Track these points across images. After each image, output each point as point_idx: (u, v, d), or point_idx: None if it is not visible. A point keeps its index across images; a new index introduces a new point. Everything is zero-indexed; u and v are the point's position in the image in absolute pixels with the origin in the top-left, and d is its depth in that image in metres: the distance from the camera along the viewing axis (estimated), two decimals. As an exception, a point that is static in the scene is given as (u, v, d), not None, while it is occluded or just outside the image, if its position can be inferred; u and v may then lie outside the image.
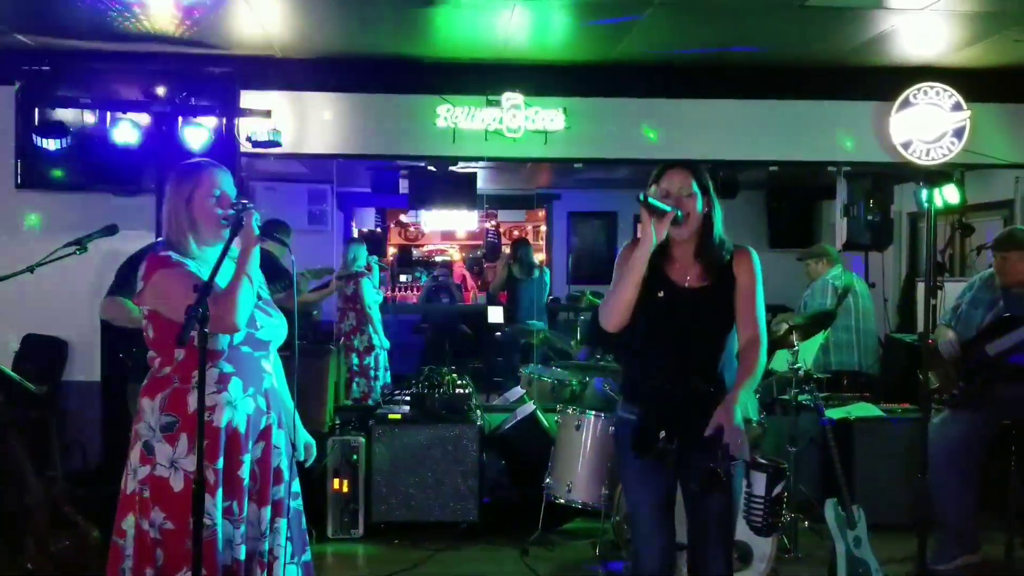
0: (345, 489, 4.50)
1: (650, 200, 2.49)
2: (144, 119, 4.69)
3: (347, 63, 5.14)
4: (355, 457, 4.52)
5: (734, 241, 2.67)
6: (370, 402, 5.86)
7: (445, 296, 9.06)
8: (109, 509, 2.46)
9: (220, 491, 2.35)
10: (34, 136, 4.65)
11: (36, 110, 4.70)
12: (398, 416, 4.65)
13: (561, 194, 9.39)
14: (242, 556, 2.39)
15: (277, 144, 4.97)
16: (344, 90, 5.18)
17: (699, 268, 2.61)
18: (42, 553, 3.62)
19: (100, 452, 4.94)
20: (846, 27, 4.50)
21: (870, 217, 5.61)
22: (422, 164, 5.94)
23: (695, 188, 2.58)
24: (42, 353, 5.00)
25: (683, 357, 2.58)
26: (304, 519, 2.62)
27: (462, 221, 10.85)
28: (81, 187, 4.81)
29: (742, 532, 2.72)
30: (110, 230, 3.43)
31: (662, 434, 2.53)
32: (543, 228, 10.10)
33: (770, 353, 2.80)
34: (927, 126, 5.26)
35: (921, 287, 4.87)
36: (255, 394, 2.45)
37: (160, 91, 4.71)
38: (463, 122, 5.15)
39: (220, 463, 2.36)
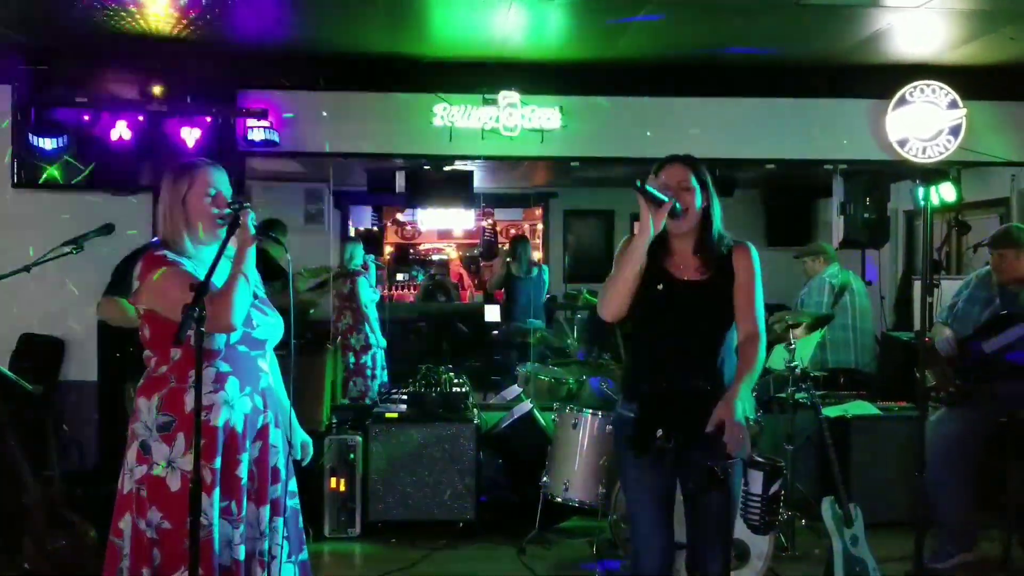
0: (342, 488, 4.50)
1: (647, 187, 2.49)
2: (141, 118, 4.68)
3: (344, 62, 5.14)
4: (352, 456, 4.52)
5: (733, 237, 2.68)
6: (367, 401, 5.86)
7: (442, 295, 9.05)
8: (106, 509, 2.45)
9: (218, 491, 2.35)
10: (31, 135, 4.65)
11: (33, 109, 4.70)
12: (395, 415, 4.65)
13: (558, 192, 9.39)
14: (241, 556, 2.38)
15: (274, 143, 4.97)
16: (341, 89, 5.18)
17: (698, 262, 2.62)
18: (39, 553, 3.61)
19: (97, 452, 4.94)
20: (842, 25, 4.50)
21: (867, 215, 5.61)
22: (419, 163, 5.94)
23: (694, 182, 2.59)
24: (39, 352, 4.99)
25: (682, 352, 2.58)
26: (301, 518, 2.62)
27: (459, 220, 10.84)
28: (78, 186, 4.80)
29: (739, 530, 2.72)
30: (106, 229, 3.42)
31: (659, 432, 2.53)
32: (540, 227, 10.09)
33: (767, 348, 2.81)
34: (923, 124, 5.27)
35: (918, 285, 4.88)
36: (252, 393, 2.45)
37: (157, 90, 4.72)
38: (459, 121, 5.15)
39: (217, 462, 2.35)
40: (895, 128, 5.30)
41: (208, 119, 4.71)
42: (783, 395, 4.42)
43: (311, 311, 6.66)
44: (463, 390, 4.84)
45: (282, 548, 2.47)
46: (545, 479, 4.30)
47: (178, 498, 2.29)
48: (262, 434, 2.48)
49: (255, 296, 2.48)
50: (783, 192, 8.44)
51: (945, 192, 4.89)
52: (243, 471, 2.40)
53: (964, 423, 4.04)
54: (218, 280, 2.32)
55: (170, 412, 2.34)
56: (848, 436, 4.68)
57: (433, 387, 4.80)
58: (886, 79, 5.25)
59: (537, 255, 9.26)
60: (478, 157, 5.48)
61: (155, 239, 2.53)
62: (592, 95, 5.27)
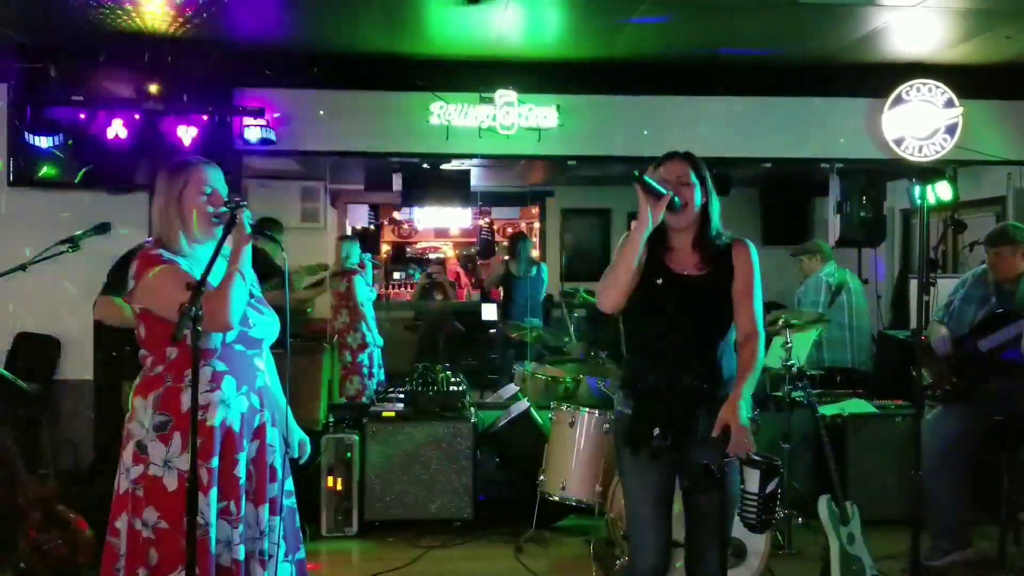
0: (339, 487, 4.50)
1: (644, 178, 2.50)
2: (137, 117, 4.67)
3: (340, 60, 5.13)
4: (349, 455, 4.52)
5: (731, 235, 2.69)
6: (364, 400, 5.86)
7: (439, 293, 9.04)
8: (102, 508, 2.45)
9: (215, 490, 2.34)
10: (27, 134, 4.63)
11: (29, 108, 4.68)
12: (392, 414, 4.65)
13: (555, 191, 9.39)
14: (241, 556, 2.37)
15: (270, 142, 4.96)
16: (337, 87, 5.17)
17: (697, 258, 2.63)
18: (35, 552, 3.61)
19: (93, 450, 4.93)
20: (838, 24, 4.51)
21: (863, 214, 5.62)
22: (416, 161, 5.94)
23: (693, 178, 2.61)
24: (35, 351, 4.98)
25: (680, 349, 2.59)
26: (298, 517, 2.62)
27: (456, 218, 10.81)
28: (74, 185, 4.79)
29: (736, 529, 2.73)
30: (103, 228, 3.42)
31: (656, 431, 2.53)
32: (537, 225, 10.09)
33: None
34: (920, 123, 5.28)
35: (914, 284, 4.89)
36: (248, 392, 2.44)
37: (153, 89, 4.70)
38: (456, 119, 5.14)
39: (214, 462, 2.35)
40: (891, 127, 5.31)
41: (204, 117, 4.70)
42: (780, 393, 4.43)
43: (308, 310, 6.66)
44: (460, 389, 4.84)
45: (279, 547, 2.47)
46: (542, 478, 4.30)
47: (175, 498, 2.28)
48: (259, 433, 2.47)
49: (251, 295, 2.48)
50: (780, 191, 8.45)
51: (941, 191, 4.90)
52: (241, 471, 2.40)
53: (960, 421, 4.05)
54: (214, 279, 2.31)
55: (166, 412, 2.34)
56: (844, 434, 4.69)
57: (430, 386, 4.80)
58: (882, 78, 5.26)
59: (535, 253, 9.24)
60: (475, 156, 5.48)
61: (150, 238, 2.53)
62: (589, 94, 5.27)
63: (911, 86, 5.26)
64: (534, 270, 7.20)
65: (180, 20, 4.37)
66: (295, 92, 5.12)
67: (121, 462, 2.38)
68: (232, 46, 4.88)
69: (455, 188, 6.29)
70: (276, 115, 5.05)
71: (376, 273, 7.61)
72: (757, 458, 2.49)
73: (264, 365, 2.54)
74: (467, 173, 6.30)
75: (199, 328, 2.16)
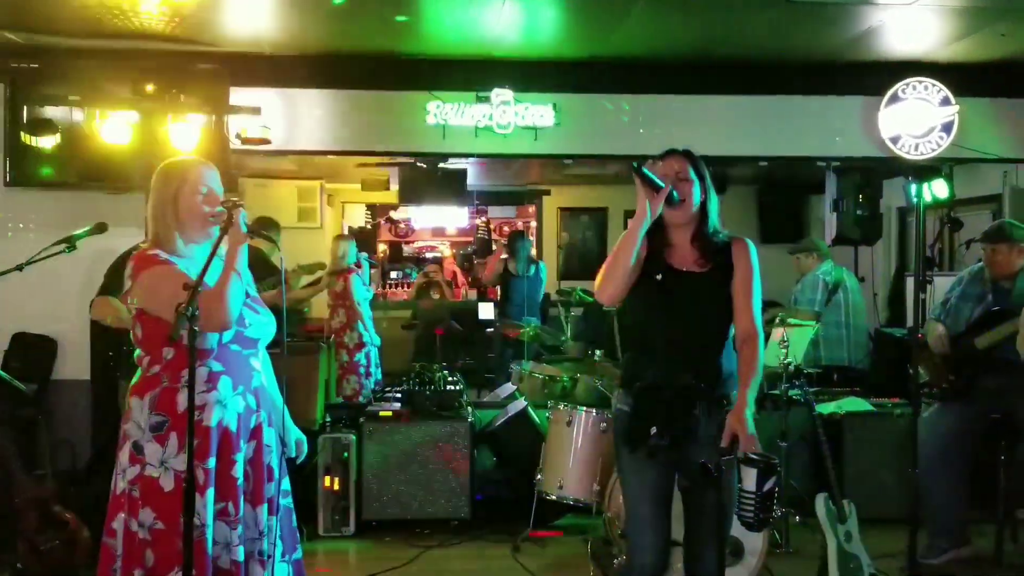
0: (336, 487, 4.50)
1: (643, 169, 2.50)
2: (133, 116, 4.66)
3: (337, 59, 5.13)
4: (346, 455, 4.52)
5: (729, 232, 2.70)
6: (361, 399, 5.85)
7: (435, 292, 9.04)
8: (100, 508, 2.44)
9: (212, 491, 2.34)
10: (23, 134, 4.62)
11: (25, 108, 4.67)
12: (389, 413, 4.64)
13: (551, 190, 9.40)
14: (240, 557, 2.37)
15: (267, 141, 4.95)
16: (334, 87, 5.16)
17: (697, 254, 2.64)
18: (32, 552, 3.60)
19: (90, 451, 4.92)
20: (834, 23, 4.51)
21: (859, 212, 5.63)
22: (412, 161, 5.93)
23: (692, 175, 2.63)
24: (32, 352, 4.98)
25: (679, 346, 2.59)
26: (295, 517, 2.61)
27: (452, 217, 10.85)
28: (70, 185, 4.78)
29: (734, 527, 2.73)
30: (100, 228, 3.41)
31: (654, 430, 2.53)
32: (533, 224, 10.09)
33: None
34: (916, 121, 5.28)
35: (911, 282, 4.90)
36: (244, 392, 2.44)
37: (149, 88, 4.69)
38: (453, 118, 5.14)
39: (211, 462, 2.34)
40: (888, 125, 5.31)
41: (201, 117, 4.69)
42: (777, 392, 4.43)
43: (305, 309, 6.65)
44: (457, 388, 4.83)
45: (276, 547, 2.47)
46: (539, 477, 4.30)
47: (171, 498, 2.28)
48: (256, 433, 2.47)
49: (247, 295, 2.47)
50: (776, 189, 8.47)
51: (937, 189, 4.91)
52: (238, 471, 2.39)
53: (957, 419, 4.06)
54: (211, 279, 2.31)
55: (163, 412, 2.33)
56: (842, 433, 4.69)
57: (427, 385, 4.79)
58: (879, 76, 5.26)
59: (532, 252, 9.22)
60: (471, 155, 5.48)
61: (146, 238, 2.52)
62: (585, 93, 5.27)
63: (907, 84, 5.26)
64: (532, 269, 7.15)
65: (177, 19, 4.36)
66: (291, 91, 5.12)
67: (117, 463, 2.38)
68: (228, 45, 4.87)
69: (452, 187, 6.29)
70: (282, 113, 5.04)
71: (373, 272, 7.61)
72: (754, 457, 2.49)
73: (260, 365, 2.53)
74: (464, 172, 6.30)
75: (196, 328, 2.15)
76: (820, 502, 3.68)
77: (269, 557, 2.44)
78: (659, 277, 2.60)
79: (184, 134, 4.61)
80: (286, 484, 2.56)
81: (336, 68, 5.14)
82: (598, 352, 4.89)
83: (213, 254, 2.29)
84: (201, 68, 4.84)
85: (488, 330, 7.31)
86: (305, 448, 2.71)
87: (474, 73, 5.16)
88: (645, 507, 2.64)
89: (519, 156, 5.58)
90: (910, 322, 4.23)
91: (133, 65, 4.79)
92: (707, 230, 2.64)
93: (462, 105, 5.14)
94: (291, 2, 4.30)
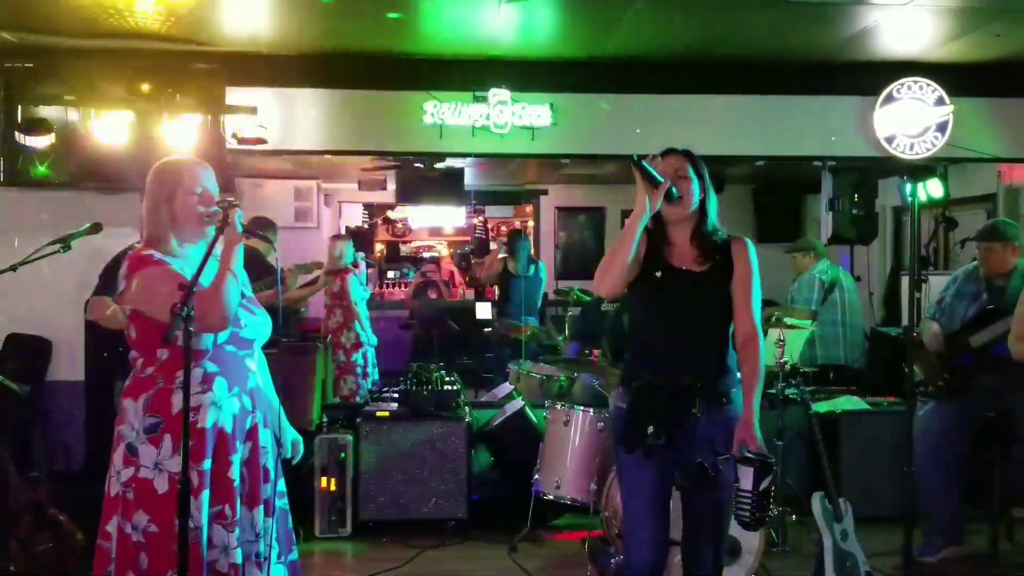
0: (333, 487, 4.49)
1: (643, 163, 2.50)
2: (129, 116, 4.65)
3: (333, 59, 5.12)
4: (343, 455, 4.51)
5: (728, 231, 2.72)
6: (358, 399, 5.85)
7: (433, 292, 9.04)
8: (94, 510, 2.43)
9: (207, 493, 2.32)
10: (17, 134, 4.61)
11: (19, 107, 4.66)
12: (386, 413, 4.63)
13: (548, 190, 9.40)
14: (238, 560, 2.36)
15: (263, 141, 4.94)
16: (330, 86, 5.16)
17: (696, 252, 2.65)
18: (25, 555, 3.59)
19: (85, 452, 4.91)
20: (830, 23, 4.52)
21: (855, 211, 5.64)
22: (409, 160, 5.93)
23: (691, 173, 2.64)
24: (25, 353, 4.97)
25: (678, 345, 2.60)
26: (290, 518, 2.61)
27: (450, 217, 10.83)
28: (65, 185, 4.77)
29: (731, 526, 2.73)
30: (95, 228, 3.39)
31: (651, 429, 2.54)
32: (531, 223, 10.09)
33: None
34: (911, 121, 5.29)
35: (906, 281, 4.91)
36: (240, 394, 2.43)
37: (145, 88, 4.68)
38: (450, 118, 5.14)
39: (206, 464, 2.33)
40: (883, 125, 5.32)
41: (197, 116, 4.68)
42: (773, 391, 4.43)
43: (302, 309, 6.65)
44: (454, 388, 4.83)
45: (272, 549, 2.46)
46: (536, 476, 4.30)
47: (165, 501, 2.26)
48: (251, 435, 2.46)
49: (242, 295, 2.46)
50: (773, 188, 8.49)
51: (932, 188, 4.93)
52: (235, 473, 2.38)
53: (952, 417, 4.07)
54: (206, 280, 2.30)
55: (157, 414, 2.32)
56: (838, 431, 4.70)
57: (424, 385, 4.79)
58: (874, 76, 5.27)
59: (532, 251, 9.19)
60: (469, 154, 5.48)
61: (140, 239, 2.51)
62: (582, 92, 5.27)
63: (902, 84, 5.27)
64: (532, 269, 7.08)
65: (172, 19, 4.36)
66: (288, 91, 5.11)
67: (111, 464, 2.36)
68: (225, 45, 4.86)
69: (449, 187, 6.28)
70: (278, 113, 5.03)
71: (370, 272, 7.60)
72: (751, 456, 2.49)
73: (256, 366, 2.52)
74: (461, 172, 6.30)
75: (191, 329, 2.15)
76: (816, 501, 3.69)
77: (265, 559, 2.43)
78: (658, 274, 2.62)
79: (180, 134, 4.60)
80: (282, 485, 2.56)
81: (333, 67, 5.14)
82: (597, 352, 4.89)
83: (209, 254, 2.28)
84: (197, 67, 4.83)
85: (485, 330, 7.30)
86: (301, 449, 2.70)
87: (471, 73, 5.16)
88: (642, 505, 2.64)
89: (516, 156, 5.58)
90: (905, 321, 4.24)
91: (129, 64, 4.78)
92: (706, 229, 2.66)
93: (459, 105, 5.14)
94: (287, 1, 4.29)
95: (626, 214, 2.63)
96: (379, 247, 11.31)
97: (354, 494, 4.50)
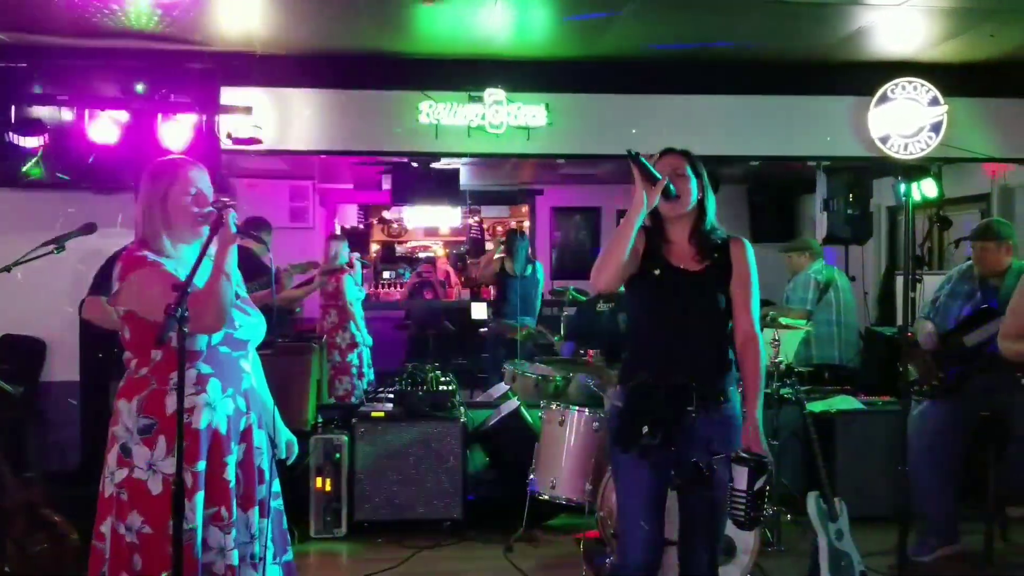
0: (328, 488, 4.48)
1: (641, 158, 2.50)
2: (123, 116, 4.64)
3: (328, 59, 5.11)
4: (338, 456, 4.50)
5: (726, 231, 2.73)
6: (353, 400, 5.84)
7: (428, 292, 9.03)
8: (89, 510, 2.43)
9: (201, 494, 2.32)
10: (11, 134, 4.59)
11: (12, 107, 4.64)
12: (381, 414, 4.63)
13: (544, 190, 9.40)
14: (235, 561, 2.36)
15: (258, 141, 4.94)
16: (325, 86, 5.15)
17: (695, 251, 2.66)
18: (20, 556, 3.58)
19: (80, 452, 4.89)
20: (824, 23, 4.53)
21: (850, 211, 5.65)
22: (405, 160, 5.92)
23: (689, 172, 2.65)
24: (19, 353, 4.95)
25: (676, 344, 2.60)
26: (285, 519, 2.60)
27: (445, 217, 10.82)
28: (59, 185, 4.75)
29: (726, 526, 2.74)
30: (88, 229, 3.38)
31: (645, 429, 2.54)
32: (526, 224, 10.10)
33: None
34: (905, 121, 5.31)
35: (900, 280, 4.92)
36: (234, 395, 2.42)
37: (139, 88, 4.67)
38: (445, 118, 5.14)
39: (200, 465, 2.33)
40: (877, 125, 5.33)
41: (192, 116, 4.67)
42: (768, 390, 4.43)
43: (297, 309, 6.63)
44: (450, 388, 4.82)
45: (267, 550, 2.45)
46: (532, 477, 4.30)
47: (159, 502, 2.26)
48: (246, 436, 2.46)
49: (237, 296, 2.46)
50: (767, 188, 8.49)
51: (927, 188, 4.94)
52: (230, 474, 2.38)
53: (946, 416, 4.08)
54: (200, 280, 2.29)
55: (151, 415, 2.31)
56: (833, 431, 4.71)
57: (419, 385, 4.78)
58: (868, 76, 5.29)
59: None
60: (464, 155, 5.48)
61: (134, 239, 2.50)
62: (578, 92, 5.28)
63: (896, 84, 5.29)
64: (529, 269, 7.04)
65: (167, 18, 4.34)
66: (283, 91, 5.10)
67: (105, 465, 2.36)
68: (219, 45, 4.85)
69: (444, 187, 6.28)
70: (273, 113, 5.03)
71: (365, 272, 7.58)
72: (745, 456, 2.50)
73: (250, 367, 2.52)
74: (456, 172, 6.29)
75: (185, 330, 2.14)
76: (811, 500, 3.69)
77: (261, 560, 2.43)
78: (657, 272, 2.63)
79: (174, 134, 4.59)
80: (276, 486, 2.55)
81: (328, 67, 5.13)
82: (592, 353, 4.89)
83: (203, 255, 2.27)
84: (192, 67, 4.82)
85: (481, 330, 7.29)
86: (296, 449, 2.69)
87: (467, 73, 5.16)
88: (637, 505, 2.65)
89: (512, 156, 5.58)
90: (900, 320, 4.25)
91: (122, 64, 4.77)
92: (705, 228, 2.67)
93: (455, 105, 5.14)
94: (282, 1, 4.28)
95: (621, 214, 2.64)
96: (375, 247, 11.30)
97: (349, 494, 4.50)
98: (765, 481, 2.49)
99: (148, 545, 2.27)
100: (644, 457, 2.55)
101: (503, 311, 6.94)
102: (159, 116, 4.60)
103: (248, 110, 4.86)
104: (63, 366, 5.02)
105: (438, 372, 4.96)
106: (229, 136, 4.86)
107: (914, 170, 5.07)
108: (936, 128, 5.30)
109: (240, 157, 5.50)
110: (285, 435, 2.65)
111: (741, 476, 2.48)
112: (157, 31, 4.53)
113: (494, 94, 5.15)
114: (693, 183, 2.65)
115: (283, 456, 2.64)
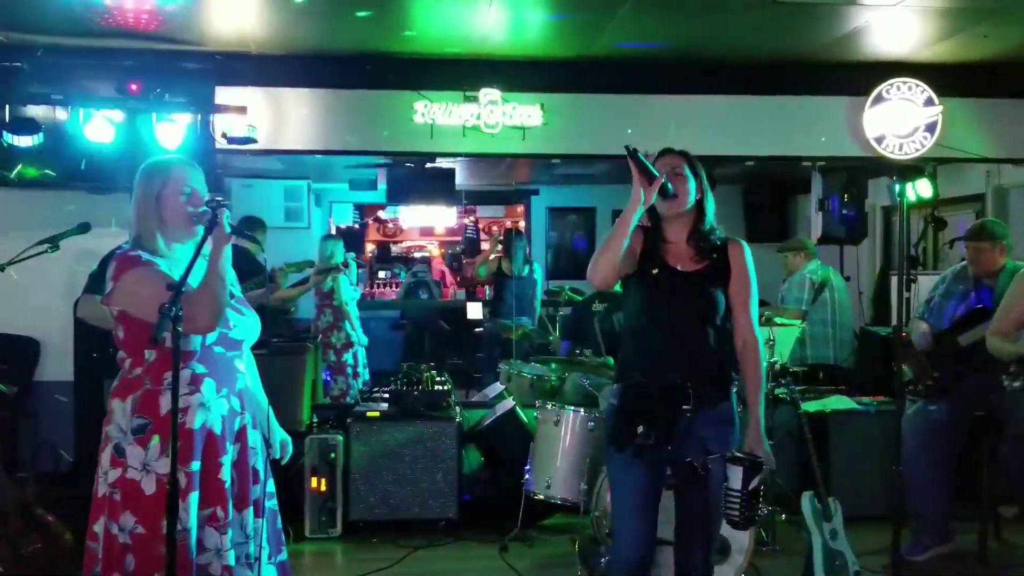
0: (323, 488, 4.48)
1: (639, 154, 2.50)
2: (118, 116, 4.63)
3: (323, 59, 5.11)
4: (333, 455, 4.50)
5: (725, 232, 2.73)
6: (348, 399, 5.83)
7: (424, 292, 9.03)
8: (83, 510, 2.42)
9: (195, 495, 2.31)
10: (5, 133, 4.58)
11: (7, 107, 4.63)
12: (376, 413, 4.63)
13: (539, 190, 9.40)
14: (231, 562, 2.35)
15: (253, 140, 4.93)
16: (321, 86, 5.15)
17: (693, 252, 2.66)
18: (13, 556, 3.57)
19: (74, 452, 4.88)
20: (819, 23, 4.54)
21: (845, 211, 5.67)
22: (400, 160, 5.92)
23: (687, 171, 2.65)
24: (13, 353, 4.94)
25: (672, 344, 2.60)
26: (280, 519, 2.60)
27: (441, 217, 10.82)
28: (54, 185, 4.74)
29: (721, 526, 2.74)
30: (83, 228, 3.38)
31: (640, 428, 2.54)
32: (522, 223, 10.10)
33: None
34: (900, 121, 5.32)
35: (895, 280, 4.93)
36: (228, 395, 2.42)
37: (134, 87, 4.66)
38: (441, 118, 5.13)
39: (194, 466, 2.32)
40: (872, 125, 5.35)
41: (187, 116, 4.66)
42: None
43: (292, 309, 6.63)
44: (445, 388, 4.82)
45: (263, 550, 2.45)
46: (527, 476, 4.30)
47: (152, 502, 2.25)
48: (240, 436, 2.45)
49: (231, 296, 2.45)
50: (762, 188, 8.51)
51: (921, 188, 4.95)
52: (225, 475, 2.37)
53: (941, 416, 4.09)
54: (194, 280, 2.29)
55: (145, 415, 2.30)
56: (827, 431, 4.71)
57: (415, 385, 4.78)
58: (863, 76, 5.30)
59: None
60: (459, 154, 5.47)
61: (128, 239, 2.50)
62: (573, 92, 5.28)
63: (891, 84, 5.30)
64: (527, 269, 7.02)
65: (161, 18, 4.34)
66: (278, 90, 5.09)
67: (99, 465, 2.35)
68: (214, 44, 4.84)
69: (440, 187, 6.28)
70: (268, 112, 5.02)
71: (360, 272, 7.58)
72: (740, 455, 2.50)
73: (245, 367, 2.51)
74: (452, 171, 6.29)
75: (179, 330, 2.14)
76: (806, 500, 3.70)
77: (256, 560, 2.43)
78: (655, 272, 2.63)
79: (169, 133, 4.58)
80: (271, 486, 2.55)
81: (323, 67, 5.13)
82: (587, 352, 4.89)
83: (197, 254, 2.27)
84: (186, 67, 4.82)
85: (476, 330, 7.28)
86: (290, 449, 2.69)
87: (462, 72, 5.16)
88: (631, 504, 2.65)
89: (507, 156, 5.58)
90: (895, 320, 4.26)
91: (118, 64, 4.76)
92: (703, 228, 2.67)
93: (450, 104, 5.14)
94: (277, 1, 4.28)
95: (617, 214, 2.63)
96: (370, 247, 11.30)
97: (344, 494, 4.49)
98: (760, 480, 2.50)
99: (141, 545, 2.26)
100: (639, 456, 2.55)
101: (499, 311, 6.93)
102: (154, 115, 4.59)
103: (243, 110, 4.85)
104: (57, 365, 5.01)
105: (433, 372, 4.96)
106: (224, 136, 4.85)
107: (909, 170, 5.08)
108: (931, 128, 5.31)
109: (235, 157, 5.50)
110: (280, 435, 2.65)
111: (736, 475, 2.48)
112: (152, 31, 4.52)
113: (489, 94, 5.15)
114: (691, 183, 2.64)
115: (278, 456, 2.63)
